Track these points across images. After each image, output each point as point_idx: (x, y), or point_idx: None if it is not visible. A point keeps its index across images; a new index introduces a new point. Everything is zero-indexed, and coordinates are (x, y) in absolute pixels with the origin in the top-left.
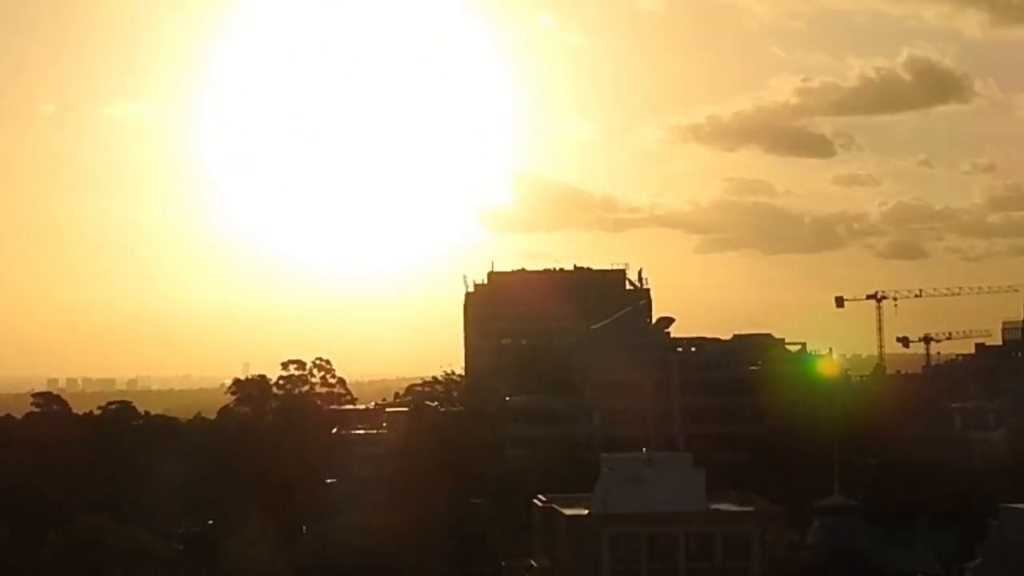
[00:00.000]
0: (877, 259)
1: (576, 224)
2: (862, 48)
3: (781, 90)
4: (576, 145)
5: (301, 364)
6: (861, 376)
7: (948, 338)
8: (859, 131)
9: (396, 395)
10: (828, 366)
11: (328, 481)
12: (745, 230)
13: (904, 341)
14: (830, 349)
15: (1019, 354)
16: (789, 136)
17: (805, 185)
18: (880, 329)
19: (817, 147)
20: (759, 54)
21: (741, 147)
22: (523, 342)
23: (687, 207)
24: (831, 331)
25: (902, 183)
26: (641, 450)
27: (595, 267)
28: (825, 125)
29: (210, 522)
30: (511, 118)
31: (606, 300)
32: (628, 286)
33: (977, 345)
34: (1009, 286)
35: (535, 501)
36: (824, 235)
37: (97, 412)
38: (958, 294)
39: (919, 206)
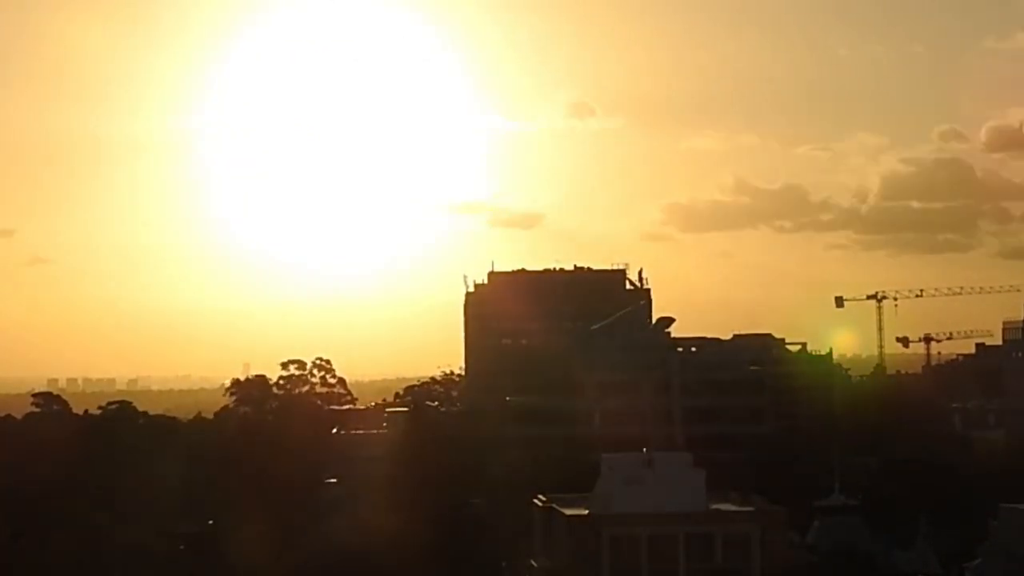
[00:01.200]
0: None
1: (762, 225)
2: None
3: None
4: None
5: (301, 364)
6: (861, 376)
7: (948, 338)
8: None
9: (396, 395)
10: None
11: (328, 481)
12: (914, 230)
13: (904, 341)
14: (830, 350)
15: (1019, 354)
16: None
17: None
18: (880, 329)
19: None
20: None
21: (996, 152)
22: (523, 342)
23: (886, 210)
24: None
25: None
26: (641, 450)
27: (595, 267)
28: None
29: (210, 522)
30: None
31: (606, 300)
32: (628, 286)
33: (977, 345)
34: (1010, 286)
35: (535, 501)
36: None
37: (97, 412)
38: (959, 294)
39: None
